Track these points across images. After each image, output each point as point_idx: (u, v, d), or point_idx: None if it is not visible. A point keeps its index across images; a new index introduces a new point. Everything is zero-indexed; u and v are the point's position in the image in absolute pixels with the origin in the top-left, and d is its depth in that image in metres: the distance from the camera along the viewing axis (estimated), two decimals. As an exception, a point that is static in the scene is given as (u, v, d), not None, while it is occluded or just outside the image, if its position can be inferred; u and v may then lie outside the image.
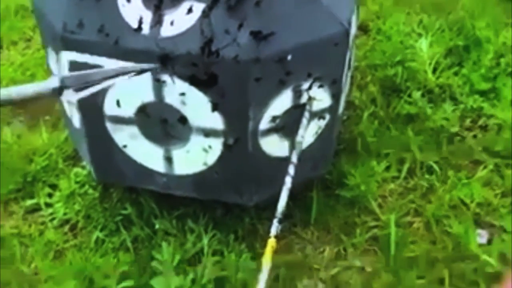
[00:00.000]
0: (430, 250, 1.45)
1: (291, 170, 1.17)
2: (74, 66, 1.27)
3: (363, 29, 2.16)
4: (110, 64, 1.24)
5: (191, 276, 1.37)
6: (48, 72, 1.55)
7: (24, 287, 1.39)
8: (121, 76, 1.16)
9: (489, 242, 1.47)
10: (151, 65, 1.20)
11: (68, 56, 1.27)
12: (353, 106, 1.85)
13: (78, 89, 1.22)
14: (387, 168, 1.66)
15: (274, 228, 1.04)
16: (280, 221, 1.07)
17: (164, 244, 1.43)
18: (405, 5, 2.26)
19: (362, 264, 1.45)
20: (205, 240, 1.46)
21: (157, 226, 1.51)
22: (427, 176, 1.63)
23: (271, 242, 1.00)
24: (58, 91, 1.15)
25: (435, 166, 1.63)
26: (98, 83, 1.22)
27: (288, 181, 1.14)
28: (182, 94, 1.26)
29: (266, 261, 0.95)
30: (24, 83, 2.04)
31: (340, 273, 1.43)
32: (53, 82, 1.16)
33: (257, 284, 0.93)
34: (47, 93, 1.14)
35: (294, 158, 1.19)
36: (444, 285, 1.38)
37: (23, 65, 2.13)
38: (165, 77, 1.25)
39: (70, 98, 1.07)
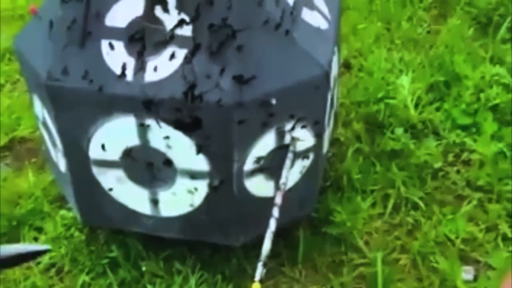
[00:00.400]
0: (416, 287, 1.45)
1: (275, 212, 1.18)
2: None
3: (346, 66, 2.20)
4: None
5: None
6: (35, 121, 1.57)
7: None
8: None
9: (475, 278, 1.47)
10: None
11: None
12: (339, 142, 1.87)
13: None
14: (373, 205, 1.67)
15: (259, 272, 1.04)
16: (264, 265, 1.07)
17: (149, 287, 1.42)
18: (386, 41, 2.31)
19: (350, 303, 1.45)
20: (193, 281, 1.45)
21: (144, 268, 1.50)
22: (412, 212, 1.65)
23: (256, 286, 1.00)
24: None
25: (420, 202, 1.65)
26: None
27: (272, 223, 1.15)
28: (167, 137, 1.28)
29: (251, 307, 0.95)
30: (11, 126, 2.07)
31: (328, 313, 1.43)
32: None
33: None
34: None
35: (278, 200, 1.20)
36: (432, 323, 1.38)
37: (9, 108, 2.14)
38: (150, 122, 1.26)
39: None
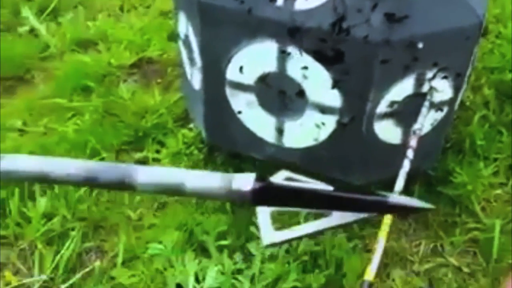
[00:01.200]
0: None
1: (410, 154, 1.16)
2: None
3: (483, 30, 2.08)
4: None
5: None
6: (174, 38, 1.63)
7: (130, 231, 1.48)
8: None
9: None
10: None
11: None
12: (465, 107, 1.80)
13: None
14: (495, 173, 1.60)
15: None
16: (397, 201, 1.07)
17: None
18: (529, 10, 2.16)
19: (459, 263, 1.42)
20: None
21: (256, 194, 1.55)
22: (537, 187, 1.57)
23: (387, 219, 1.01)
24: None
25: (548, 178, 1.57)
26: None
27: (406, 164, 1.14)
28: (305, 68, 1.29)
29: (382, 235, 0.96)
30: (141, 46, 2.18)
31: (434, 269, 1.41)
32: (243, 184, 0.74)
33: (372, 255, 0.94)
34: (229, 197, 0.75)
35: (413, 143, 1.19)
36: (545, 299, 1.32)
37: (142, 29, 2.25)
38: (291, 49, 1.28)
39: (268, 240, 0.79)
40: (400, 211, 0.70)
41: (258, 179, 0.70)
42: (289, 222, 1.36)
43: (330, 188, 0.69)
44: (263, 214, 0.72)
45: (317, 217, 0.77)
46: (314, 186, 0.70)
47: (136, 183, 0.73)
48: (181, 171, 0.74)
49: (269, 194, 0.70)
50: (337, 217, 0.71)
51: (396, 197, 0.69)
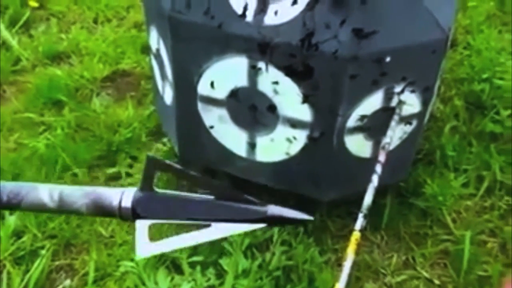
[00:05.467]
0: (504, 272, 1.41)
1: (378, 169, 1.17)
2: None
3: (451, 42, 2.12)
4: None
5: (259, 260, 1.40)
6: (146, 51, 1.63)
7: (101, 248, 1.46)
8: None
9: None
10: None
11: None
12: (435, 118, 1.82)
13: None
14: (465, 184, 1.63)
15: (359, 222, 1.05)
16: (365, 216, 1.08)
17: (235, 227, 1.47)
18: (497, 22, 2.20)
19: (430, 276, 1.43)
20: (275, 229, 1.48)
21: (229, 209, 1.54)
22: (506, 197, 1.59)
23: (355, 235, 1.01)
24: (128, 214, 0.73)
25: (516, 188, 1.59)
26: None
27: (375, 179, 1.14)
28: (276, 82, 1.29)
29: (351, 252, 0.96)
30: (115, 59, 2.16)
31: (406, 281, 1.42)
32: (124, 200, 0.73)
33: (339, 273, 0.94)
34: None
35: (381, 158, 1.20)
36: (514, 310, 1.34)
37: (115, 42, 2.23)
38: (261, 65, 1.28)
39: (142, 253, 0.71)
40: (280, 222, 0.71)
41: (141, 189, 0.70)
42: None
43: (211, 197, 0.69)
44: (141, 225, 0.70)
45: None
46: (194, 196, 0.70)
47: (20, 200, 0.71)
48: (45, 187, 0.72)
49: (149, 206, 0.70)
50: (217, 229, 0.69)
51: (275, 208, 0.69)
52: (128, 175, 1.69)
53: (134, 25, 2.36)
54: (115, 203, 0.70)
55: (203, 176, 0.72)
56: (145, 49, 2.10)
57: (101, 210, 0.71)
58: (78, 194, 0.72)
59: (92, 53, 2.18)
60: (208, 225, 0.69)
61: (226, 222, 0.69)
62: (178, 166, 0.71)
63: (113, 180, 1.68)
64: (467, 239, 1.44)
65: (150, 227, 0.71)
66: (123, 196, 0.70)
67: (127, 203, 0.70)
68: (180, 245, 0.71)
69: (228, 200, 0.70)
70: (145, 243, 0.69)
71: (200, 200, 0.71)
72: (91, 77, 2.07)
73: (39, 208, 0.71)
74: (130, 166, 1.71)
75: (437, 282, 1.41)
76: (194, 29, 1.30)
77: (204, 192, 0.73)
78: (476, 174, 1.65)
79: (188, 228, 0.72)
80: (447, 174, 1.64)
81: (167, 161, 0.72)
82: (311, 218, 0.68)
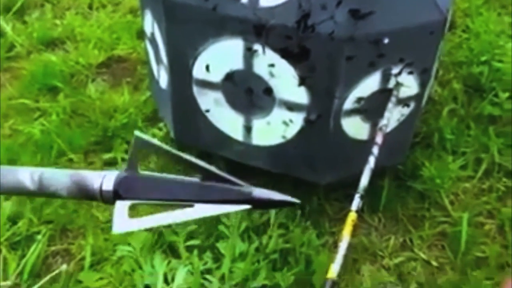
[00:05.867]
0: (501, 253, 1.41)
1: (375, 150, 1.17)
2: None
3: (449, 25, 2.10)
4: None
5: (256, 244, 1.39)
6: (141, 36, 1.61)
7: (98, 232, 1.46)
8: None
9: None
10: None
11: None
12: (433, 101, 1.81)
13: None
14: (463, 167, 1.62)
15: (356, 202, 1.04)
16: (362, 197, 1.07)
17: (232, 211, 1.46)
18: (496, 5, 2.18)
19: (427, 257, 1.43)
20: (272, 212, 1.48)
21: (226, 193, 1.54)
22: (504, 179, 1.59)
23: (352, 216, 1.00)
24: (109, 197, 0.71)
25: (515, 170, 1.59)
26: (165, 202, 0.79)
27: (371, 160, 1.14)
28: (272, 65, 1.28)
29: (347, 233, 0.96)
30: (110, 45, 2.14)
31: (404, 263, 1.42)
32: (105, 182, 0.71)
33: (335, 254, 0.94)
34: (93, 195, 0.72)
35: (378, 139, 1.19)
36: (512, 291, 1.34)
37: (111, 28, 2.21)
38: (257, 47, 1.27)
39: (119, 228, 0.72)
40: (265, 205, 0.69)
41: (121, 174, 0.68)
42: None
43: (196, 179, 0.68)
44: (121, 204, 0.69)
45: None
46: (179, 177, 0.69)
47: None
48: (26, 170, 0.70)
49: (132, 188, 0.69)
50: (199, 209, 0.68)
51: (260, 191, 0.68)
52: (124, 160, 1.67)
53: (130, 11, 2.34)
54: (96, 185, 0.69)
55: (189, 157, 0.70)
56: (141, 34, 2.07)
57: (83, 192, 0.70)
58: (59, 176, 0.70)
59: (87, 39, 2.16)
60: (191, 206, 0.68)
61: (210, 203, 0.68)
62: (165, 146, 0.70)
63: (109, 165, 1.67)
64: (465, 221, 1.44)
65: (131, 207, 0.70)
66: (104, 179, 0.69)
67: (108, 186, 0.68)
68: (159, 223, 0.69)
69: (214, 181, 0.69)
70: (122, 220, 0.68)
71: (185, 181, 0.70)
72: (86, 63, 2.06)
73: (18, 191, 0.70)
74: (126, 151, 1.70)
75: (434, 263, 1.41)
76: (189, 11, 1.28)
77: (192, 175, 0.71)
78: (475, 156, 1.65)
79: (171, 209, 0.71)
80: (445, 156, 1.63)
81: (154, 141, 0.71)
82: (297, 201, 0.67)
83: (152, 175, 0.72)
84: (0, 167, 0.70)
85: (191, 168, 0.72)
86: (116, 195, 0.69)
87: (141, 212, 0.80)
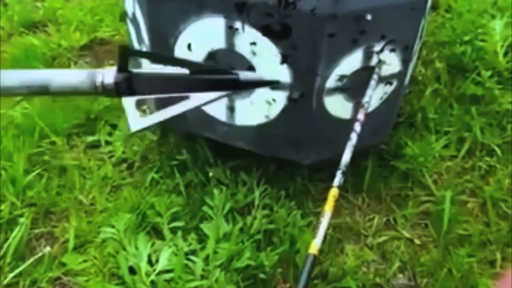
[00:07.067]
0: (483, 231, 1.42)
1: (357, 127, 1.16)
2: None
3: (432, 5, 2.10)
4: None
5: (240, 224, 1.39)
6: (123, 18, 1.59)
7: (81, 215, 1.45)
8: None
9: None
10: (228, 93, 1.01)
11: None
12: (416, 81, 1.81)
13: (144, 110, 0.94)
14: (446, 146, 1.63)
15: (338, 179, 1.04)
16: (343, 174, 1.07)
17: (216, 191, 1.46)
18: (480, -15, 2.18)
19: (411, 236, 1.44)
20: (257, 193, 1.48)
21: (210, 174, 1.53)
22: (487, 158, 1.60)
23: (333, 192, 1.00)
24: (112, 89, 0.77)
25: (497, 149, 1.60)
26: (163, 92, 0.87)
27: (353, 137, 1.14)
28: (253, 43, 1.27)
29: (329, 208, 0.96)
30: (93, 27, 2.12)
31: (387, 242, 1.43)
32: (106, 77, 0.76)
33: (316, 230, 0.94)
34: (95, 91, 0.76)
35: (360, 116, 1.19)
36: (495, 267, 1.36)
37: (93, 10, 2.18)
38: (238, 25, 1.25)
39: (135, 126, 0.77)
40: (251, 86, 0.77)
41: (120, 70, 0.73)
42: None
43: (186, 71, 0.71)
44: (129, 103, 0.76)
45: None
46: (172, 71, 0.72)
47: None
48: (46, 71, 0.76)
49: (131, 84, 0.73)
50: (195, 99, 0.74)
51: (246, 73, 0.74)
52: (108, 143, 1.66)
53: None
54: (98, 80, 0.73)
55: (175, 57, 0.76)
56: (124, 16, 2.05)
57: (87, 87, 0.73)
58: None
59: (69, 22, 2.14)
60: (187, 97, 0.75)
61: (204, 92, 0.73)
62: (148, 51, 0.76)
63: (92, 148, 1.66)
64: (448, 199, 1.45)
65: (137, 103, 0.75)
66: (104, 74, 0.73)
67: (109, 79, 0.73)
68: (167, 116, 0.77)
69: (202, 73, 0.75)
70: (136, 119, 0.74)
71: (177, 75, 0.75)
72: (69, 45, 2.03)
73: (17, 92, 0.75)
74: (110, 134, 1.69)
75: (417, 242, 1.42)
76: (169, -11, 1.26)
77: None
78: (457, 136, 1.66)
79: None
80: (428, 136, 1.64)
81: (138, 49, 0.77)
82: (277, 80, 0.76)
83: (145, 72, 0.80)
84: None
85: (181, 66, 0.79)
86: (118, 90, 0.75)
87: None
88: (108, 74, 0.72)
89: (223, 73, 0.74)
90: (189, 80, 0.72)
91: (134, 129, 0.72)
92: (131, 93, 0.73)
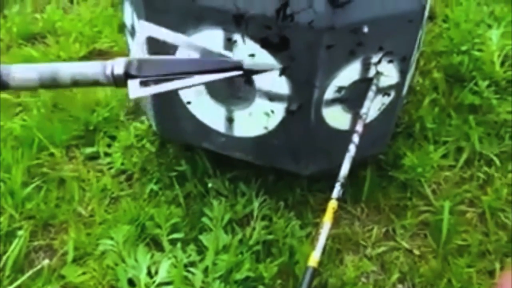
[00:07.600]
0: (482, 241, 1.42)
1: (356, 139, 1.17)
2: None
3: (429, 16, 2.12)
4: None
5: (239, 236, 1.39)
6: (122, 29, 1.59)
7: (80, 227, 1.45)
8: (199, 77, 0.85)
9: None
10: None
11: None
12: (414, 91, 1.82)
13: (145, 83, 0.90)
14: (444, 156, 1.63)
15: (336, 190, 1.04)
16: (342, 186, 1.07)
17: (215, 202, 1.46)
18: (476, -5, 2.20)
19: (410, 246, 1.44)
20: (256, 204, 1.48)
21: (209, 185, 1.54)
22: (485, 168, 1.60)
23: (332, 204, 1.01)
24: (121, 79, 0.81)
25: (495, 159, 1.60)
26: (170, 77, 0.89)
27: (352, 149, 1.14)
28: (252, 55, 1.27)
29: (328, 220, 0.96)
30: (92, 38, 2.12)
31: (386, 252, 1.43)
32: (116, 67, 0.81)
33: (316, 242, 0.94)
34: (104, 80, 0.81)
35: (359, 128, 1.19)
36: (493, 278, 1.36)
37: (91, 22, 2.19)
38: (237, 37, 1.26)
39: (134, 94, 0.76)
40: (253, 72, 0.84)
41: (129, 61, 0.79)
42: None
43: (195, 57, 0.83)
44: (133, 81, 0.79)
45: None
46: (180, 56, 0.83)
47: (9, 79, 0.78)
48: (56, 64, 0.80)
49: (140, 70, 0.79)
50: (199, 77, 0.81)
51: (248, 60, 0.84)
52: (107, 154, 1.66)
53: (111, 4, 2.31)
54: (108, 71, 0.78)
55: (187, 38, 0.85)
56: (122, 28, 2.06)
57: (98, 78, 0.79)
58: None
59: (68, 33, 2.14)
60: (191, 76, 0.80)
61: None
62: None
63: (91, 159, 1.66)
64: (446, 209, 1.45)
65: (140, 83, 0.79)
66: (114, 65, 0.79)
67: (119, 70, 0.78)
68: (168, 88, 0.78)
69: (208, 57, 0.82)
70: (135, 88, 0.77)
71: (183, 59, 0.85)
72: (68, 57, 2.03)
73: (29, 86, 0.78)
74: (109, 145, 1.69)
75: (417, 252, 1.42)
76: (168, 1, 1.27)
77: None
78: (456, 145, 1.66)
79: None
80: (427, 146, 1.64)
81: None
82: (278, 66, 0.89)
83: (154, 57, 0.86)
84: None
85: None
86: (127, 76, 0.79)
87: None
88: (118, 64, 0.79)
89: (227, 62, 0.83)
90: (196, 63, 0.82)
91: (133, 96, 0.76)
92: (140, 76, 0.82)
